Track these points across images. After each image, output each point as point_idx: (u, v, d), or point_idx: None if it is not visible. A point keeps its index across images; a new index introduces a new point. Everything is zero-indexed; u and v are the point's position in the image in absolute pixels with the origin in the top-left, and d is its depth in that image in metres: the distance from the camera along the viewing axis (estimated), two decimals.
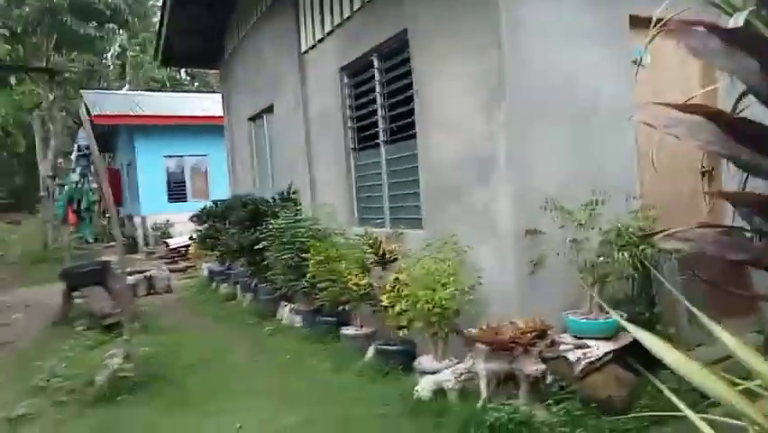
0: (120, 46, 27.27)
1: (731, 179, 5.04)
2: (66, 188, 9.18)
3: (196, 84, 32.28)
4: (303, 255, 6.12)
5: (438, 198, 4.87)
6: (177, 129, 16.74)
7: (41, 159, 17.87)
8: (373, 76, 5.82)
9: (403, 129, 5.38)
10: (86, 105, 16.75)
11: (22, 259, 17.67)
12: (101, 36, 19.23)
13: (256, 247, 7.03)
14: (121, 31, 21.23)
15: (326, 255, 5.67)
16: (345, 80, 6.39)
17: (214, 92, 20.17)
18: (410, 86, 5.14)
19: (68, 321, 8.46)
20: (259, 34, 8.96)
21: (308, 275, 5.80)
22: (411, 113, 5.18)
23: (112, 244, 18.83)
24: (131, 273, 11.99)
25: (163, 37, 10.55)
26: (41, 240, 18.33)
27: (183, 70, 40.03)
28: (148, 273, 11.43)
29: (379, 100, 5.75)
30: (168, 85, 28.71)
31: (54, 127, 17.49)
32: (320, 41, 6.82)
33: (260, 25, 8.88)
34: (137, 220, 17.41)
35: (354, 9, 5.92)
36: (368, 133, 6.04)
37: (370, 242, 5.04)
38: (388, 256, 5.06)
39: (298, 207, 7.31)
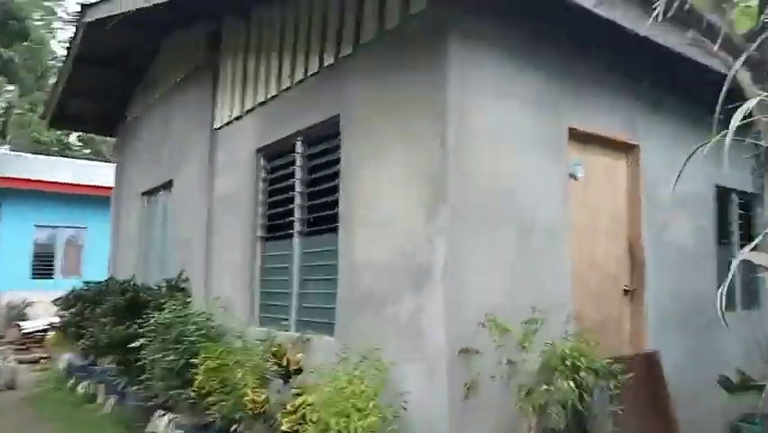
0: (7, 101, 25.01)
1: (652, 298, 4.97)
2: None
3: (87, 151, 30.10)
4: (190, 359, 5.14)
5: (357, 302, 4.26)
6: (54, 197, 15.03)
7: None
8: (294, 161, 5.30)
9: (323, 221, 4.83)
10: None
11: None
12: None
13: (131, 345, 5.91)
14: (11, 86, 19.40)
15: (220, 361, 4.77)
16: (261, 162, 5.82)
17: (107, 161, 18.70)
18: (336, 175, 4.67)
19: None
20: (169, 104, 8.28)
21: (196, 383, 4.82)
22: (335, 205, 4.67)
23: None
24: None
25: (57, 96, 9.53)
26: None
27: (75, 135, 37.61)
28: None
29: (298, 187, 5.21)
30: (55, 149, 26.46)
31: None
32: (237, 118, 6.28)
33: (171, 95, 8.22)
34: None
35: (282, 88, 5.48)
36: (281, 221, 5.42)
37: (274, 350, 4.26)
38: (292, 368, 4.29)
39: (188, 300, 6.36)
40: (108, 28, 6.64)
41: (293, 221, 5.20)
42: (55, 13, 23.55)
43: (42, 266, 15.21)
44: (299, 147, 5.25)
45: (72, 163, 20.38)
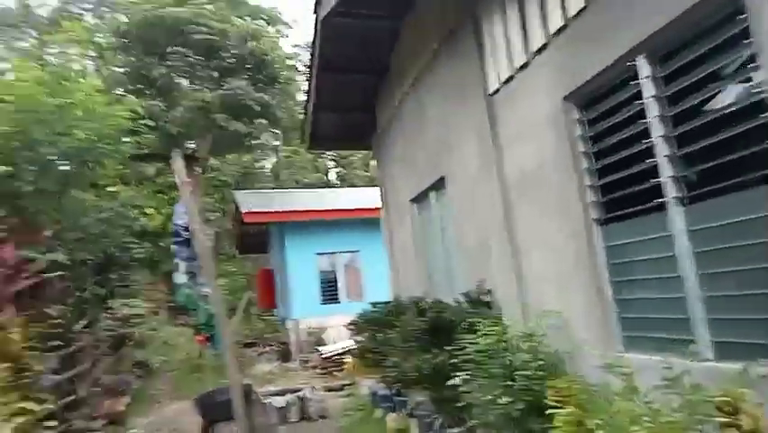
0: (272, 148, 28.01)
1: None
2: (179, 295, 7.40)
3: (344, 186, 32.40)
4: (532, 401, 3.62)
5: None
6: (327, 225, 15.50)
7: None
8: (637, 93, 3.43)
9: (724, 174, 2.86)
10: (236, 203, 16.31)
11: (179, 366, 17.04)
12: (250, 133, 19.22)
13: (445, 380, 4.65)
14: (275, 131, 21.28)
15: (579, 412, 3.13)
16: (575, 114, 4.07)
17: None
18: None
19: None
20: (419, 93, 7.12)
21: None
22: (744, 140, 2.68)
23: (266, 349, 17.74)
24: (281, 393, 10.24)
25: (310, 114, 9.23)
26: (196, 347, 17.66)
27: (334, 173, 41.00)
28: (301, 394, 9.51)
29: (657, 130, 3.31)
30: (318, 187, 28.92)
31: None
32: (521, 67, 4.65)
33: (420, 82, 7.06)
34: (290, 324, 16.06)
35: None
36: (631, 191, 3.57)
37: (719, 399, 2.40)
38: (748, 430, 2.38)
39: (498, 318, 4.90)
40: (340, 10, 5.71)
41: (660, 185, 3.31)
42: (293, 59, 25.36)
43: (329, 291, 15.74)
44: (644, 68, 3.36)
45: (340, 192, 21.47)
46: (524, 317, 4.66)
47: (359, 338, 8.30)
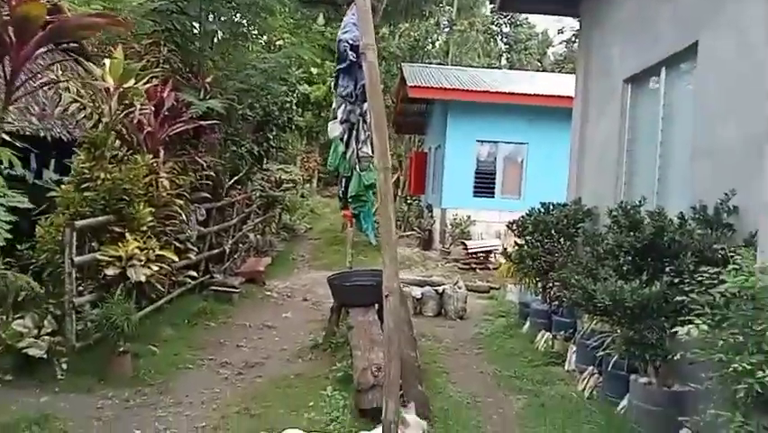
0: (448, 20, 25.83)
1: None
2: (330, 154, 6.11)
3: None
4: None
5: None
6: (494, 110, 13.84)
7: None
8: None
9: None
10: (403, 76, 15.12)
11: (322, 236, 17.27)
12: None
13: (655, 316, 3.33)
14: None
15: None
16: None
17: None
18: None
19: (332, 346, 6.19)
20: None
21: None
22: None
23: (408, 234, 17.20)
24: (420, 284, 9.53)
25: None
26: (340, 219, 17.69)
27: (505, 58, 37.76)
28: (440, 288, 8.68)
29: None
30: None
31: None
32: None
33: None
34: (436, 212, 15.21)
35: None
36: None
37: None
38: None
39: (745, 246, 3.35)
40: None
41: None
42: None
43: (484, 184, 14.45)
44: None
45: (513, 75, 19.32)
46: None
47: (519, 240, 7.06)
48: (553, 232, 6.48)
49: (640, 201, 4.57)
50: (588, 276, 4.32)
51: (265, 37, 12.69)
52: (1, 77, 4.29)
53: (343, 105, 5.01)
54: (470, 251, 12.93)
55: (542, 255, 6.41)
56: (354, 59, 4.64)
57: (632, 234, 3.92)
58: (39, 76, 6.23)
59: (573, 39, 36.55)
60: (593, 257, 4.49)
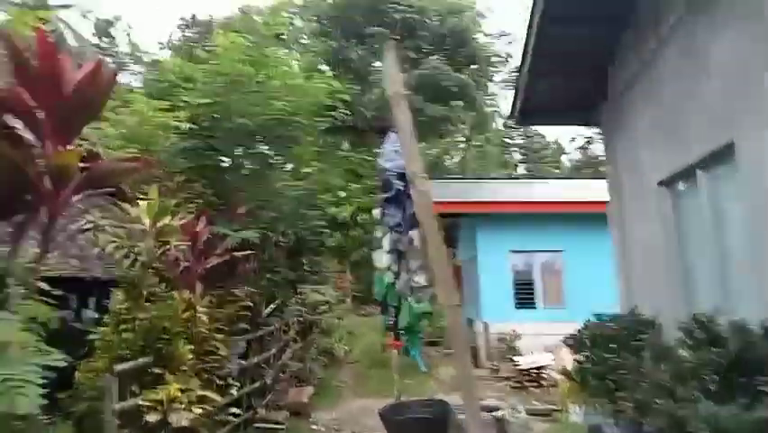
0: (464, 136, 26.74)
1: None
2: (376, 284, 5.81)
3: None
4: None
5: None
6: (524, 220, 13.73)
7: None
8: None
9: None
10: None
11: (362, 358, 16.62)
12: (446, 118, 18.04)
13: None
14: (470, 114, 19.73)
15: None
16: None
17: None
18: None
19: None
20: (697, 26, 5.18)
21: None
22: None
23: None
24: None
25: (524, 77, 7.68)
26: (381, 340, 17.11)
27: (523, 168, 38.56)
28: (498, 413, 8.03)
29: None
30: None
31: None
32: None
33: (698, 10, 5.12)
34: (478, 327, 14.64)
35: None
36: None
37: None
38: None
39: None
40: None
41: None
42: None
43: (524, 295, 13.99)
44: None
45: (542, 183, 19.41)
46: None
47: (577, 357, 6.56)
48: (613, 346, 6.00)
49: (712, 313, 4.19)
50: (668, 397, 3.86)
51: (292, 165, 13.17)
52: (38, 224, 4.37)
53: (389, 235, 4.87)
54: (521, 368, 12.18)
55: (606, 374, 5.88)
56: (402, 188, 4.57)
57: (712, 349, 3.52)
58: (76, 220, 6.36)
59: (586, 145, 37.54)
60: (670, 376, 4.04)
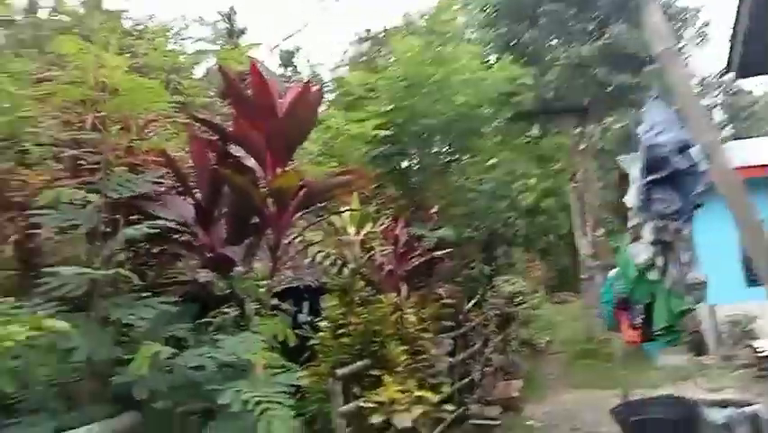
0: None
1: None
2: (624, 279, 5.08)
3: None
4: None
5: None
6: (751, 184, 11.77)
7: (580, 236, 15.71)
8: None
9: None
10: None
11: (565, 348, 15.82)
12: (636, 84, 16.33)
13: None
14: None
15: None
16: None
17: None
18: None
19: None
20: None
21: None
22: None
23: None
24: (721, 404, 7.73)
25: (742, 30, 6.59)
26: (584, 329, 16.11)
27: (731, 127, 33.63)
28: (750, 409, 6.90)
29: None
30: None
31: (588, 197, 15.20)
32: None
33: None
34: (702, 310, 12.94)
35: None
36: None
37: None
38: None
39: None
40: None
41: None
42: None
43: (755, 271, 12.05)
44: None
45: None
46: None
47: None
48: None
49: None
50: None
51: (477, 158, 12.99)
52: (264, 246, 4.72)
53: (652, 223, 4.12)
54: (761, 354, 10.51)
55: None
56: (686, 167, 3.80)
57: None
58: (295, 239, 6.85)
59: None
60: None
